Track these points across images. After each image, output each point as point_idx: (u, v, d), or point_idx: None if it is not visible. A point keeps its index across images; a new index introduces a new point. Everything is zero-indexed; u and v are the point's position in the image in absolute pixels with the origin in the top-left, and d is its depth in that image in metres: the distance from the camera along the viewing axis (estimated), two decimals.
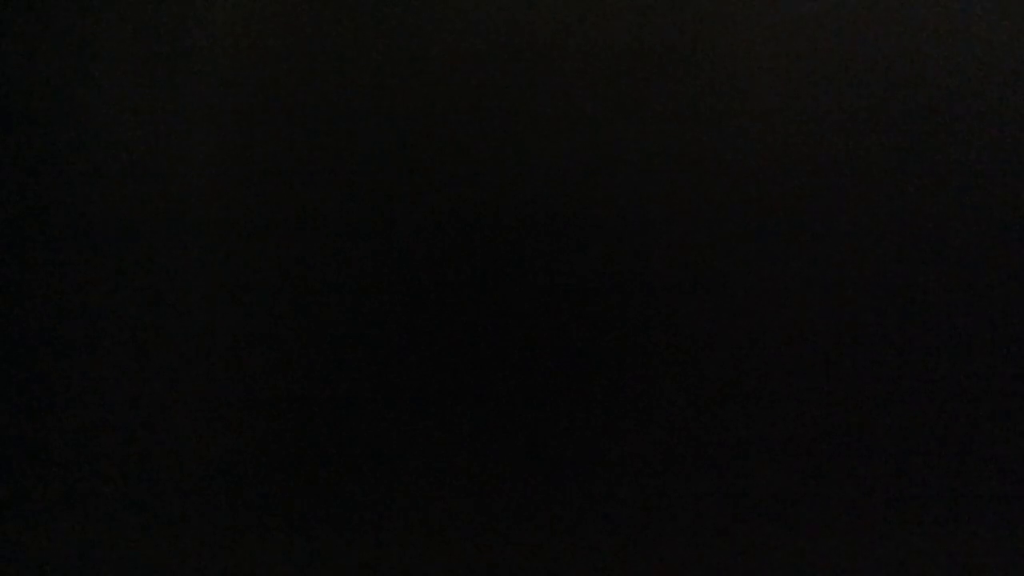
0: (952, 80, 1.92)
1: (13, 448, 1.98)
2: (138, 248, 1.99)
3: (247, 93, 1.99)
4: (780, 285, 1.93)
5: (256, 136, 1.99)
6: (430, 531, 1.94)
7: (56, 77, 2.01)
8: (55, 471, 1.98)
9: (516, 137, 1.96)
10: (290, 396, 1.97)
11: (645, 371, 1.93)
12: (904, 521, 1.90)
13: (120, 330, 1.98)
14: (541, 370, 1.94)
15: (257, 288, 1.98)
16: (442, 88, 1.97)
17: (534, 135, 1.96)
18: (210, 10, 2.00)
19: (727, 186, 1.94)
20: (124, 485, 1.97)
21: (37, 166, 2.00)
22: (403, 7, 1.98)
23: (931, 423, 1.90)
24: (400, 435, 1.95)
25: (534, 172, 1.96)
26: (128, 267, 1.99)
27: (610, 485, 1.93)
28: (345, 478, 1.96)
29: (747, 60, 1.94)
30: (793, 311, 1.92)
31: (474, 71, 1.97)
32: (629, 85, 1.95)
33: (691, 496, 1.92)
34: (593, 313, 1.94)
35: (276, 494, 1.96)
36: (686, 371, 1.93)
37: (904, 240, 1.92)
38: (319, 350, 1.97)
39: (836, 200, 1.92)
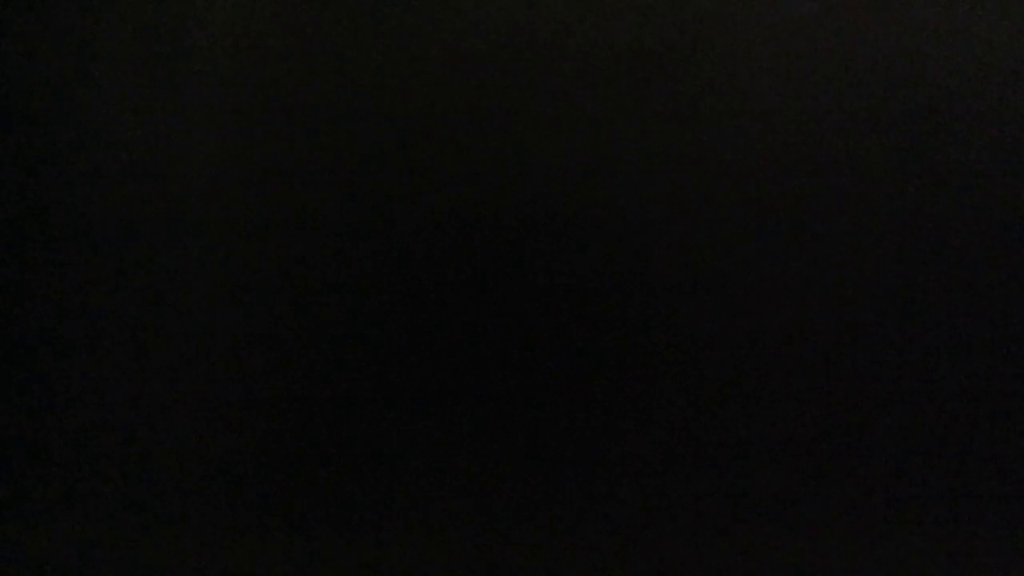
0: (952, 80, 1.92)
1: (13, 448, 1.98)
2: (138, 248, 1.99)
3: (247, 93, 1.99)
4: (780, 285, 1.93)
5: (256, 136, 1.99)
6: (430, 531, 1.94)
7: (56, 77, 2.01)
8: (55, 471, 1.98)
9: (516, 137, 1.96)
10: (290, 396, 1.97)
11: (645, 371, 1.93)
12: (904, 521, 1.90)
13: (120, 330, 1.98)
14: (541, 370, 1.94)
15: (257, 288, 1.98)
16: (442, 88, 1.97)
17: (534, 135, 1.96)
18: (210, 10, 2.00)
19: (727, 186, 1.94)
20: (124, 485, 1.97)
21: (37, 166, 2.00)
22: (403, 7, 1.98)
23: (931, 423, 1.90)
24: (400, 435, 1.95)
25: (534, 172, 1.96)
26: (128, 267, 1.99)
27: (610, 485, 1.93)
28: (345, 478, 1.96)
29: (747, 60, 1.94)
30: (793, 311, 1.92)
31: (474, 71, 1.97)
32: (629, 85, 1.95)
33: (691, 496, 1.92)
34: (593, 313, 1.94)
35: (276, 494, 1.96)
36: (686, 371, 1.93)
37: (904, 240, 1.92)
38: (319, 350, 1.97)
39: (836, 200, 1.92)
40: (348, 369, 1.96)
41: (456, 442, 1.95)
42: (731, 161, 1.94)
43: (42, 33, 2.01)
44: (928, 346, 1.91)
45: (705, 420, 1.92)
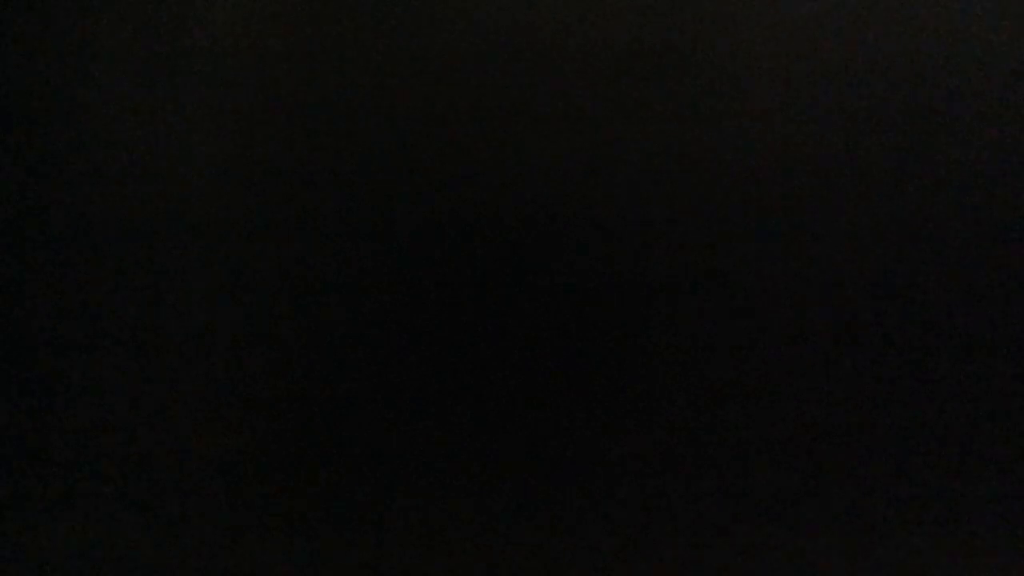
0: (952, 80, 1.92)
1: (13, 448, 1.99)
2: (138, 248, 1.99)
3: (247, 93, 1.99)
4: (780, 285, 1.93)
5: (256, 136, 1.99)
6: (430, 531, 1.94)
7: (56, 77, 2.01)
8: (55, 471, 1.98)
9: (516, 137, 1.96)
10: (290, 396, 1.97)
11: (645, 371, 1.93)
12: (904, 521, 1.90)
13: (120, 330, 1.98)
14: (541, 370, 1.94)
15: (257, 288, 1.98)
16: (442, 88, 1.97)
17: (534, 135, 1.96)
18: (210, 10, 2.00)
19: (727, 186, 1.94)
20: (124, 485, 1.97)
21: (37, 166, 2.00)
22: (403, 7, 1.98)
23: (931, 423, 1.90)
24: (400, 435, 1.95)
25: (534, 172, 1.96)
26: (128, 267, 1.99)
27: (610, 485, 1.93)
28: (345, 478, 1.96)
29: (747, 60, 1.94)
30: (793, 311, 1.92)
31: (474, 71, 1.97)
32: (629, 85, 1.95)
33: (691, 496, 1.92)
34: (593, 313, 1.94)
35: (276, 494, 1.96)
36: (686, 371, 1.93)
37: (904, 240, 1.92)
38: (319, 350, 1.97)
39: (836, 200, 1.92)
40: (348, 369, 1.96)
41: (456, 442, 1.95)
42: (731, 161, 1.94)
43: (42, 33, 2.01)
44: (928, 346, 1.91)
45: (705, 420, 1.92)
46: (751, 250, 1.93)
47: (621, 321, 1.94)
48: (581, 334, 1.94)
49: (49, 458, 1.98)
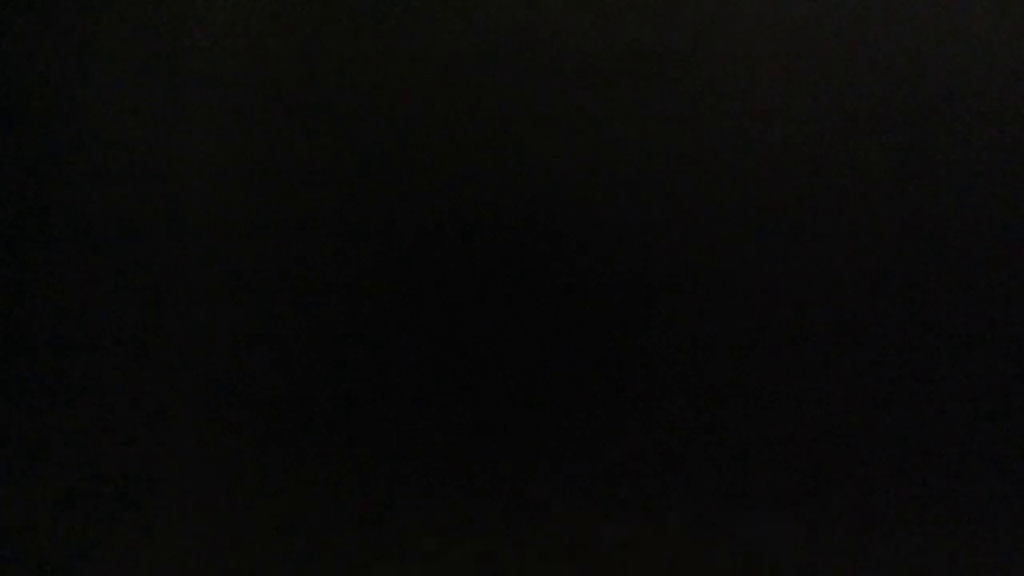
0: (952, 80, 1.92)
1: (13, 448, 1.99)
2: (138, 248, 1.99)
3: (247, 93, 1.99)
4: (780, 285, 1.93)
5: (256, 136, 1.99)
6: (430, 531, 1.95)
7: (56, 77, 2.01)
8: (55, 471, 1.98)
9: (516, 137, 1.96)
10: (290, 396, 1.97)
11: (645, 371, 1.93)
12: (904, 521, 1.90)
13: (120, 330, 1.98)
14: (541, 370, 1.94)
15: (257, 288, 1.98)
16: (442, 88, 1.97)
17: (534, 135, 1.96)
18: (210, 10, 2.00)
19: (727, 186, 1.94)
20: (124, 485, 1.98)
21: (37, 166, 2.00)
22: (403, 7, 1.98)
23: (931, 423, 1.90)
24: (400, 435, 1.96)
25: (534, 172, 1.96)
26: (128, 267, 1.99)
27: (610, 485, 1.93)
28: (345, 478, 1.96)
29: (747, 60, 1.94)
30: (793, 311, 1.92)
31: (474, 71, 1.97)
32: (630, 86, 1.96)
33: (691, 496, 1.92)
34: (593, 313, 1.94)
35: (276, 494, 1.96)
36: (686, 371, 1.93)
37: (904, 240, 1.92)
38: (319, 350, 1.97)
39: (836, 200, 1.93)
40: (348, 369, 1.96)
41: (456, 442, 1.95)
42: (731, 161, 1.94)
43: (42, 33, 2.01)
44: (928, 346, 1.91)
45: (705, 420, 1.92)
46: (751, 250, 1.93)
47: (621, 321, 1.94)
48: (581, 334, 1.94)
49: (49, 458, 1.98)
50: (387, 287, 1.97)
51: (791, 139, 1.93)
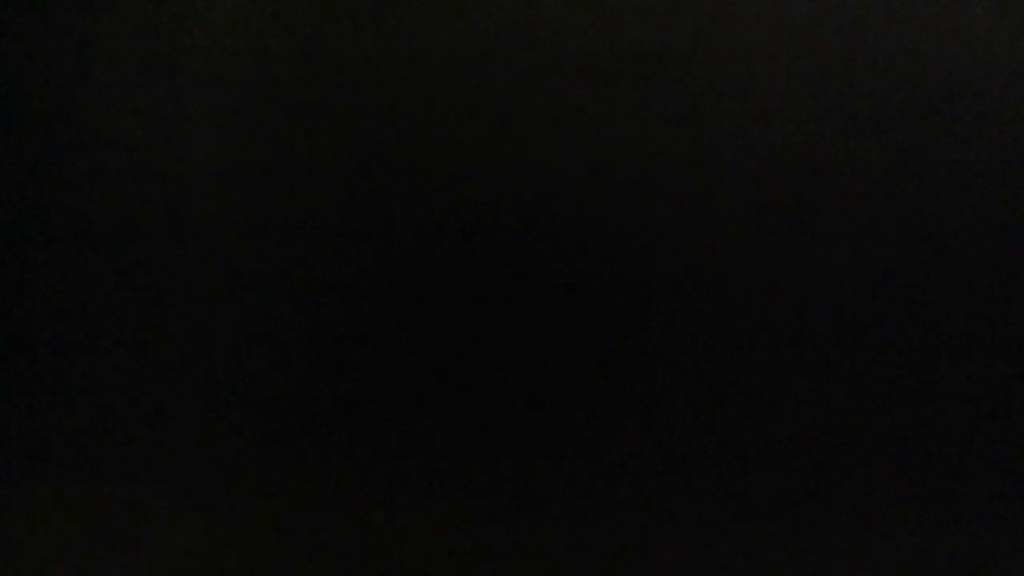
0: (952, 80, 1.92)
1: (13, 448, 1.98)
2: (138, 248, 1.99)
3: (247, 93, 1.99)
4: (780, 285, 1.93)
5: (256, 136, 1.99)
6: (430, 531, 1.94)
7: (56, 77, 2.01)
8: (55, 471, 1.98)
9: (516, 137, 1.96)
10: (290, 396, 1.97)
11: (645, 371, 1.93)
12: (904, 521, 1.90)
13: (120, 330, 1.98)
14: (541, 370, 1.94)
15: (257, 288, 1.98)
16: (442, 88, 1.97)
17: (535, 135, 1.96)
18: (210, 10, 2.00)
19: (727, 186, 1.94)
20: (124, 485, 1.97)
21: (37, 166, 2.00)
22: (403, 7, 1.98)
23: (931, 423, 1.90)
24: (400, 435, 1.95)
25: (535, 172, 1.96)
26: (128, 267, 1.99)
27: (610, 485, 1.93)
28: (346, 478, 1.96)
29: (747, 60, 1.94)
30: (793, 311, 1.92)
31: (474, 71, 1.97)
32: (630, 86, 1.95)
33: (691, 496, 1.92)
34: (594, 313, 1.94)
35: (276, 494, 1.96)
36: (686, 371, 1.93)
37: (904, 240, 1.92)
38: (319, 350, 1.97)
39: (836, 200, 1.92)
40: (348, 369, 1.96)
41: (456, 442, 1.95)
42: (731, 161, 1.94)
43: (42, 33, 2.01)
44: (928, 346, 1.91)
45: (705, 420, 1.92)
46: (751, 250, 1.93)
47: (621, 321, 1.94)
48: (581, 334, 1.94)
49: (49, 458, 1.98)
50: (387, 287, 1.97)
51: (791, 139, 1.93)
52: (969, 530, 1.89)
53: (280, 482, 1.96)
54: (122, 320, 1.98)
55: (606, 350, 1.94)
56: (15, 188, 2.00)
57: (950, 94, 1.92)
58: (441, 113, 1.97)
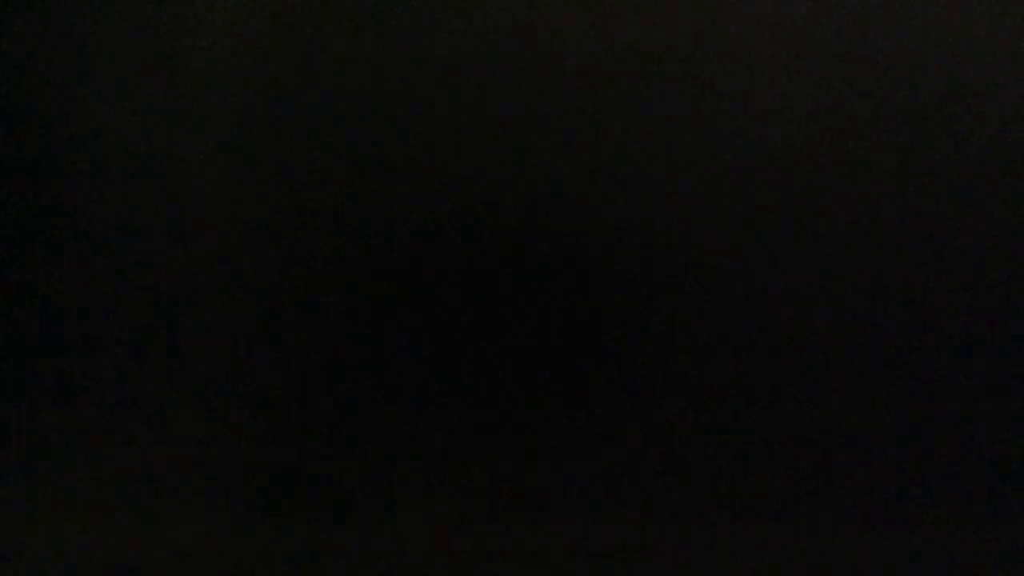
0: (952, 80, 1.92)
1: (13, 448, 1.98)
2: (138, 248, 1.99)
3: (247, 93, 1.99)
4: (780, 285, 1.93)
5: (256, 136, 1.99)
6: (431, 530, 1.94)
7: (56, 77, 2.01)
8: (55, 471, 1.98)
9: (517, 137, 1.96)
10: (290, 396, 1.96)
11: (645, 371, 1.93)
12: (904, 521, 1.90)
13: (120, 330, 1.98)
14: (541, 370, 1.94)
15: (257, 288, 1.98)
16: (443, 88, 1.97)
17: (535, 135, 1.96)
18: (210, 10, 2.00)
19: (727, 186, 1.94)
20: (124, 485, 1.97)
21: (37, 166, 2.00)
22: (403, 7, 1.98)
23: (931, 423, 1.90)
24: (400, 436, 1.95)
25: (535, 172, 1.96)
26: (128, 267, 1.99)
27: (610, 484, 1.93)
28: (346, 477, 1.96)
29: (747, 60, 1.94)
30: (793, 311, 1.92)
31: (475, 71, 1.97)
32: (630, 86, 1.95)
33: (691, 496, 1.92)
34: (593, 313, 1.94)
35: (277, 494, 1.96)
36: (686, 371, 1.93)
37: (904, 240, 1.92)
38: (319, 350, 1.97)
39: (836, 200, 1.92)
40: (348, 369, 1.96)
41: (456, 443, 1.95)
42: (731, 161, 1.94)
43: (42, 33, 2.01)
44: (928, 346, 1.91)
45: (705, 420, 1.92)
46: (751, 250, 1.93)
47: (621, 321, 1.94)
48: (581, 333, 1.94)
49: (49, 458, 1.98)
50: (387, 287, 1.96)
51: (791, 139, 1.93)
52: (969, 530, 1.89)
53: (280, 482, 1.96)
54: (122, 320, 1.98)
55: (606, 350, 1.94)
56: (15, 188, 2.00)
57: (950, 94, 1.92)
58: (441, 113, 1.97)
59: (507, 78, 1.96)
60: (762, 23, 1.94)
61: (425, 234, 1.96)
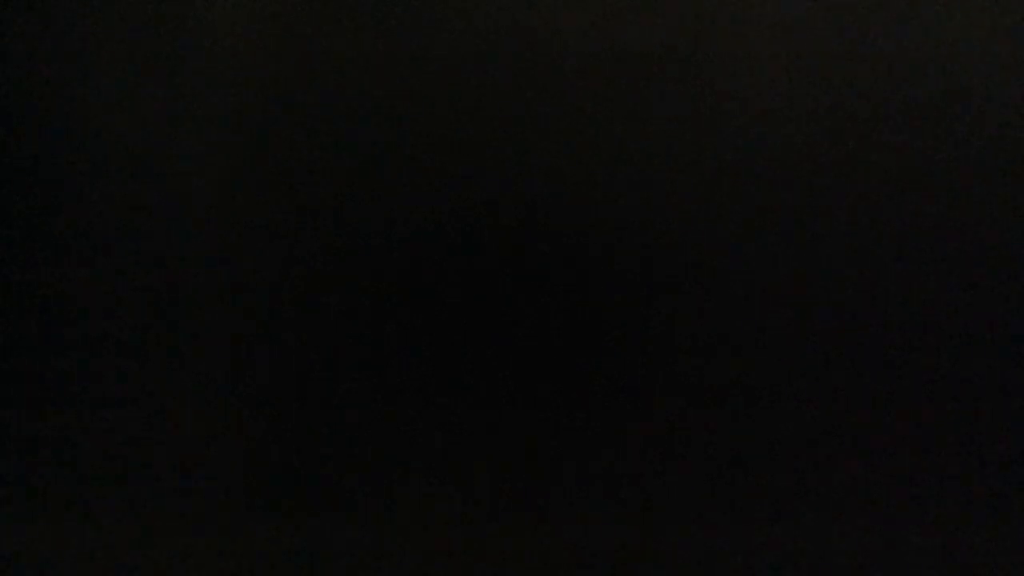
0: (952, 80, 1.92)
1: (13, 448, 1.98)
2: (138, 248, 1.99)
3: (247, 93, 1.99)
4: (780, 285, 1.93)
5: (256, 136, 1.99)
6: (431, 531, 1.94)
7: (56, 77, 2.01)
8: (55, 471, 1.98)
9: (517, 137, 1.96)
10: (290, 396, 1.96)
11: (645, 371, 1.93)
12: (904, 521, 1.90)
13: (120, 330, 1.98)
14: (541, 370, 1.94)
15: (258, 288, 1.98)
16: (443, 88, 1.97)
17: (535, 135, 1.96)
18: (210, 10, 2.00)
19: (727, 186, 1.94)
20: (124, 486, 1.97)
21: (37, 166, 2.00)
22: (403, 7, 1.98)
23: (931, 423, 1.90)
24: (400, 436, 1.95)
25: (535, 172, 1.96)
26: (128, 267, 1.99)
27: (610, 485, 1.93)
28: (346, 477, 1.96)
29: (747, 60, 1.94)
30: (793, 311, 1.92)
31: (475, 72, 1.97)
32: (630, 86, 1.95)
33: (691, 496, 1.92)
34: (593, 313, 1.94)
35: (277, 495, 1.96)
36: (686, 371, 1.93)
37: (904, 240, 1.92)
38: (319, 350, 1.97)
39: (836, 200, 1.92)
40: (348, 370, 1.96)
41: (455, 442, 1.95)
42: (731, 161, 1.94)
43: (42, 33, 2.01)
44: (928, 346, 1.91)
45: (705, 420, 1.92)
46: (751, 250, 1.93)
47: (621, 321, 1.94)
48: (581, 333, 1.94)
49: (49, 458, 1.98)
50: (387, 287, 1.96)
51: (791, 139, 1.93)
52: (969, 530, 1.89)
53: (280, 482, 1.96)
54: (122, 320, 1.98)
55: (606, 349, 1.94)
56: (15, 188, 2.00)
57: (950, 94, 1.92)
58: (441, 113, 1.97)
59: (507, 78, 1.96)
60: (762, 23, 1.94)
61: (425, 234, 1.96)
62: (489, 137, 1.96)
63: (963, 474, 1.90)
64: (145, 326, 1.98)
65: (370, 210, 1.97)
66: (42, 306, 1.99)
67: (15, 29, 2.02)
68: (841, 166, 1.93)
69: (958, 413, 1.90)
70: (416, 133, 1.97)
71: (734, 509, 1.92)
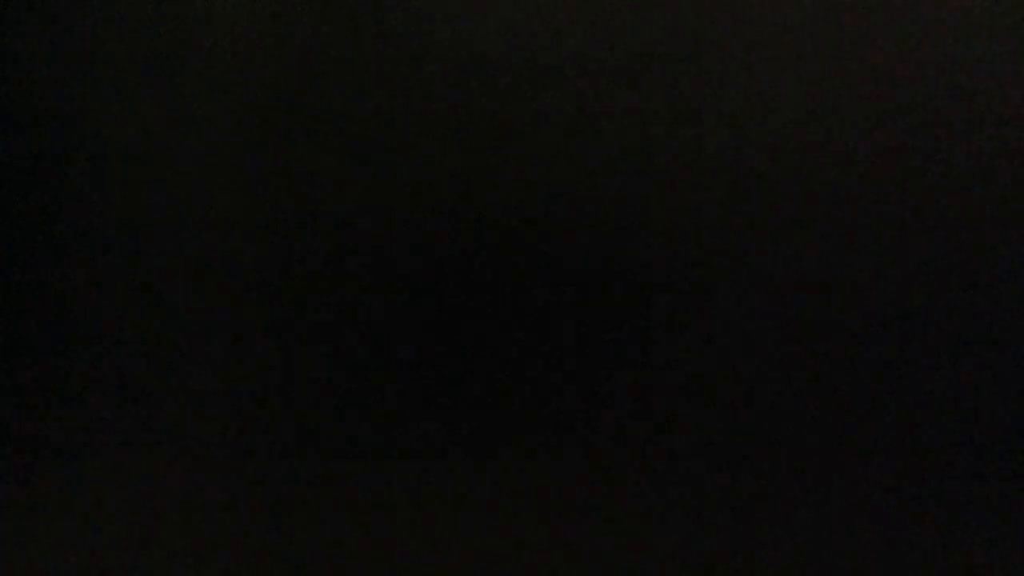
0: (952, 80, 1.92)
1: (13, 448, 1.99)
2: (138, 248, 1.99)
3: (247, 93, 1.99)
4: (780, 285, 1.93)
5: (256, 136, 1.99)
6: (431, 530, 1.94)
7: (56, 77, 2.01)
8: (55, 471, 1.98)
9: (517, 138, 1.96)
10: (290, 396, 1.97)
11: (645, 371, 1.93)
12: (904, 521, 1.90)
13: (120, 330, 1.98)
14: (542, 370, 1.94)
15: (258, 288, 1.98)
16: (443, 89, 1.97)
17: (535, 135, 1.96)
18: (210, 10, 2.00)
19: (727, 186, 1.94)
20: (124, 485, 1.98)
21: (37, 166, 2.00)
22: (403, 7, 1.98)
23: (931, 423, 1.90)
24: (400, 437, 1.96)
25: (535, 172, 1.96)
26: (128, 267, 1.99)
27: (610, 484, 1.93)
28: (344, 479, 1.96)
29: (747, 60, 1.94)
30: (793, 311, 1.92)
31: (476, 72, 1.97)
32: (630, 86, 1.95)
33: (691, 496, 1.92)
34: (593, 313, 1.94)
35: (277, 495, 1.96)
36: (686, 371, 1.93)
37: (904, 240, 1.92)
38: (320, 349, 1.97)
39: (836, 200, 1.92)
40: (347, 370, 1.96)
41: (455, 443, 1.95)
42: (731, 161, 1.94)
43: (42, 33, 2.01)
44: (928, 346, 1.91)
45: (705, 420, 1.92)
46: (751, 250, 1.93)
47: (620, 321, 1.94)
48: (581, 333, 1.94)
49: (49, 458, 1.98)
50: (387, 287, 1.97)
51: (791, 139, 1.93)
52: (969, 530, 1.89)
53: (281, 482, 1.96)
54: (122, 320, 1.98)
55: (605, 349, 1.94)
56: (15, 188, 2.00)
57: (950, 94, 1.92)
58: (442, 114, 1.97)
59: (507, 78, 1.97)
60: (762, 23, 1.94)
61: (425, 234, 1.96)
62: (489, 137, 1.96)
63: (963, 474, 1.90)
64: (145, 326, 1.98)
65: (371, 210, 1.97)
66: (42, 306, 1.99)
67: (15, 29, 2.02)
68: (841, 166, 1.93)
69: (958, 413, 1.90)
70: (416, 133, 1.97)
71: (734, 509, 1.92)
